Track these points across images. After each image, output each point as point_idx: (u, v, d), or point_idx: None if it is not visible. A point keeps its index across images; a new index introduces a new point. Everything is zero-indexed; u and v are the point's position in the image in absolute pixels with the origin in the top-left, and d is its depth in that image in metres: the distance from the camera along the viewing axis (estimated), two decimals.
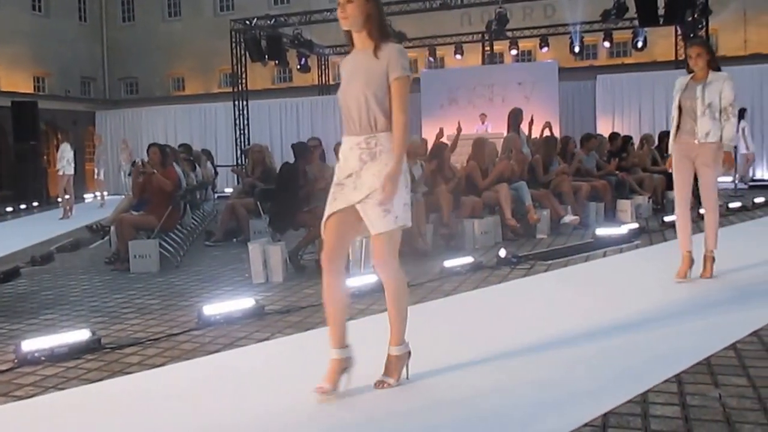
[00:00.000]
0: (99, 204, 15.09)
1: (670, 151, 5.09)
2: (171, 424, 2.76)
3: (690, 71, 5.00)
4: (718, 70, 4.89)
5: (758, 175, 13.71)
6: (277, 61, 15.56)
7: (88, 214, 12.34)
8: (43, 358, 3.58)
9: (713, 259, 5.00)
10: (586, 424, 2.53)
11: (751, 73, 14.09)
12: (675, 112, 4.98)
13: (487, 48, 18.13)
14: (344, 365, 2.94)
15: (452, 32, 17.68)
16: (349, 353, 2.97)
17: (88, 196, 17.37)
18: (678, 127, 4.96)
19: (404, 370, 3.03)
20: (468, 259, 5.76)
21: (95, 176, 16.26)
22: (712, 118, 4.80)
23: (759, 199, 9.45)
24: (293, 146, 6.62)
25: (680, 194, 5.07)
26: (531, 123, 9.56)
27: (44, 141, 18.19)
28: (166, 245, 6.71)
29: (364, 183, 2.86)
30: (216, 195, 12.17)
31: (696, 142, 4.84)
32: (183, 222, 7.77)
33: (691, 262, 4.94)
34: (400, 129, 2.85)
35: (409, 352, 3.05)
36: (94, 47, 22.62)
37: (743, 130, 12.52)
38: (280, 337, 3.96)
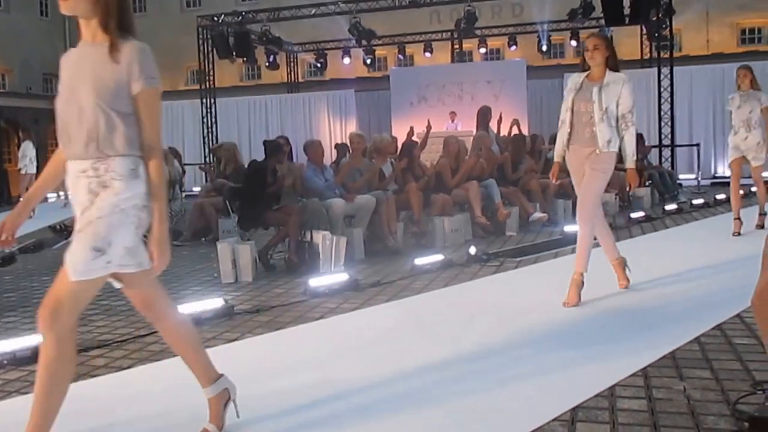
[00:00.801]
0: (62, 204, 14.77)
1: (557, 159, 4.50)
2: (139, 427, 2.72)
3: (585, 69, 4.41)
4: (617, 70, 4.34)
5: (719, 172, 14.03)
6: (245, 59, 15.40)
7: (51, 214, 12.05)
8: (5, 362, 3.50)
9: (622, 266, 4.62)
10: (555, 419, 2.56)
11: (713, 72, 14.42)
12: (566, 115, 4.40)
13: (456, 46, 18.22)
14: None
15: (422, 30, 17.73)
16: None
17: (51, 196, 16.98)
18: (570, 132, 4.38)
19: (226, 411, 2.58)
20: (438, 257, 5.79)
21: None
22: (609, 125, 4.26)
23: (720, 196, 9.67)
24: (265, 143, 6.55)
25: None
26: (500, 121, 9.65)
27: (5, 139, 17.72)
28: None
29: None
30: (184, 194, 12.01)
31: (597, 152, 4.27)
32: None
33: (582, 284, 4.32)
34: (155, 167, 2.20)
35: (227, 389, 2.58)
36: (56, 43, 22.12)
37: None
38: (250, 337, 3.93)
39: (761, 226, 6.85)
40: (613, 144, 4.29)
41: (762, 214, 6.93)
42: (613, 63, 4.35)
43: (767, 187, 6.96)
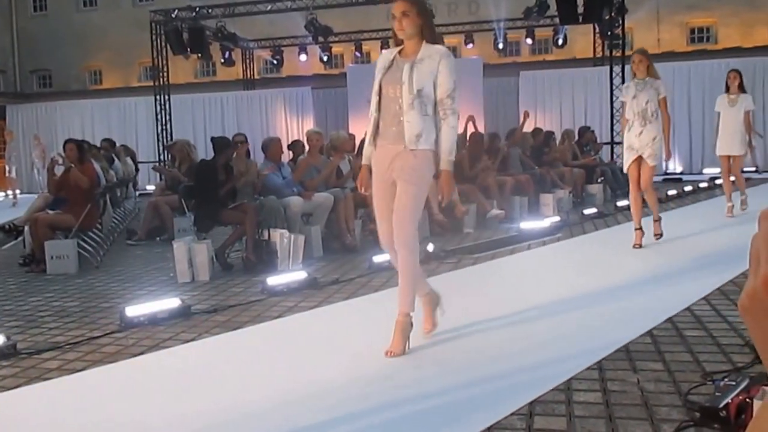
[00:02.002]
0: (11, 203, 14.30)
1: (364, 161, 3.46)
2: (93, 430, 2.64)
3: (398, 43, 3.37)
4: (435, 43, 3.34)
5: (671, 169, 14.43)
6: (199, 55, 15.15)
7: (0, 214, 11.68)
8: None
9: (431, 305, 3.54)
10: (513, 413, 2.59)
11: (663, 70, 14.66)
12: (373, 102, 3.38)
13: None
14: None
15: (379, 27, 17.71)
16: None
17: None
18: (378, 126, 3.34)
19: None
20: None
21: (7, 174, 15.39)
22: (423, 113, 3.23)
23: (671, 192, 9.95)
24: (213, 140, 6.43)
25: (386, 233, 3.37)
26: (467, 121, 9.60)
27: None
28: (85, 245, 6.42)
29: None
30: (137, 192, 11.77)
31: (402, 148, 3.23)
32: (103, 221, 7.47)
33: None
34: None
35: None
36: (3, 37, 21.35)
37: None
38: (208, 337, 3.87)
39: (659, 235, 6.12)
40: (424, 140, 3.24)
41: (656, 221, 6.16)
42: (430, 34, 3.34)
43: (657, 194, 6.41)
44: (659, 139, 5.81)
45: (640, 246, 5.89)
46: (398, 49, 3.40)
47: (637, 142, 5.81)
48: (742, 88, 7.54)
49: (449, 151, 3.32)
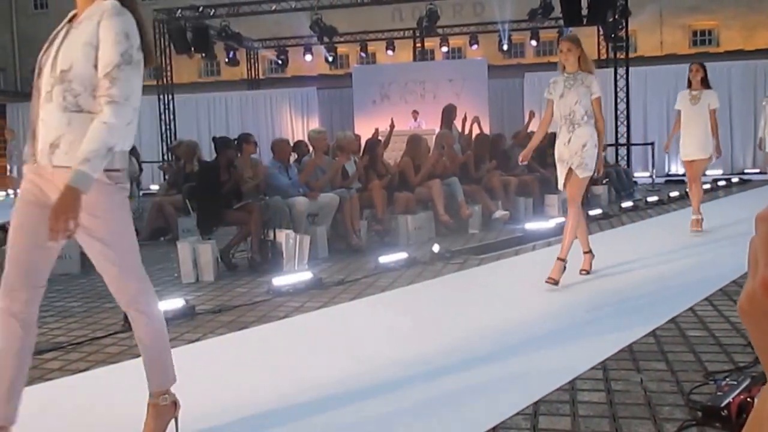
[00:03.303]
0: (12, 202, 14.35)
1: None
2: (96, 431, 2.66)
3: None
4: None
5: (673, 170, 14.41)
6: (203, 54, 15.18)
7: (0, 213, 11.72)
8: None
9: None
10: (518, 413, 2.60)
11: (666, 72, 14.80)
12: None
13: (419, 44, 18.29)
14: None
15: (384, 28, 17.74)
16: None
17: (0, 194, 16.50)
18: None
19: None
20: (402, 255, 5.81)
21: (8, 173, 15.46)
22: (67, 108, 2.18)
23: (674, 193, 9.95)
24: (214, 140, 6.44)
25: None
26: (464, 120, 9.65)
27: None
28: None
29: None
30: (141, 192, 11.80)
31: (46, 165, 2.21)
32: None
33: None
34: None
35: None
36: (3, 36, 21.43)
37: None
38: (212, 338, 3.88)
39: (585, 271, 4.95)
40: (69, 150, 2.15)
41: (586, 252, 5.02)
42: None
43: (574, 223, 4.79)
44: (591, 147, 4.64)
45: (555, 282, 4.55)
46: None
47: (567, 152, 4.69)
48: (706, 84, 6.63)
49: (86, 157, 2.07)
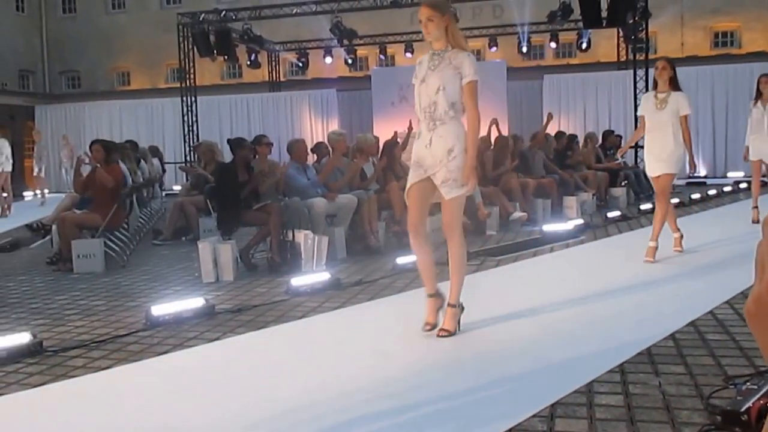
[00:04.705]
0: (39, 202, 14.59)
1: None
2: (117, 428, 2.70)
3: None
4: None
5: (696, 172, 14.24)
6: (226, 57, 15.33)
7: (28, 213, 11.92)
8: None
9: None
10: (534, 415, 2.60)
11: (687, 74, 14.60)
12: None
13: None
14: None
15: (403, 30, 17.76)
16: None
17: (28, 194, 16.77)
18: None
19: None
20: None
21: (35, 173, 15.72)
22: None
23: (695, 196, 9.86)
24: (229, 142, 6.50)
25: None
26: (491, 125, 9.44)
27: None
28: (112, 244, 6.54)
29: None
30: (164, 193, 11.93)
31: None
32: (129, 220, 7.60)
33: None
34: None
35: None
36: (32, 39, 21.79)
37: None
38: (232, 337, 3.92)
39: (446, 332, 3.64)
40: None
41: (450, 306, 3.67)
42: None
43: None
44: (460, 153, 3.49)
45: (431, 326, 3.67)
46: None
47: (428, 156, 3.52)
48: (674, 85, 5.49)
49: None
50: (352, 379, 3.08)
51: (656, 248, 5.49)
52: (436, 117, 3.54)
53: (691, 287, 4.66)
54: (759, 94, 7.39)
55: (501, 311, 4.20)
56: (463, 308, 3.71)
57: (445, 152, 3.51)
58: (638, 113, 5.74)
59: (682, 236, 5.86)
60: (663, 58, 5.69)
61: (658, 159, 5.47)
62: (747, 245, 5.95)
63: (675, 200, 9.58)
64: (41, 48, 22.02)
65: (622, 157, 9.64)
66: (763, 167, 7.94)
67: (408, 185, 3.67)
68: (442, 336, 3.60)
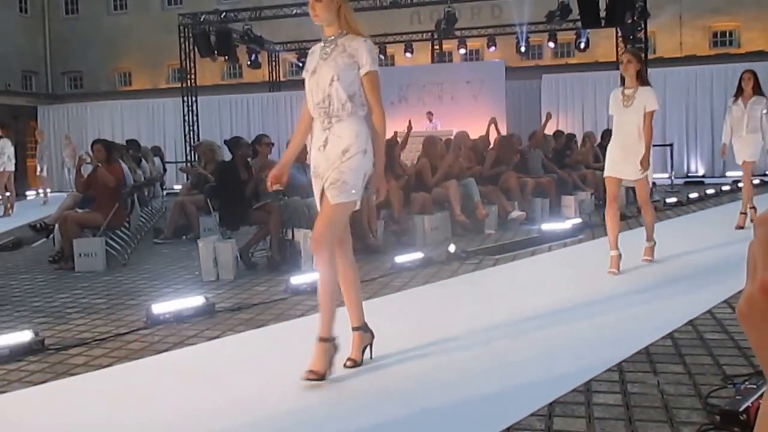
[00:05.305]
0: (42, 201, 14.61)
1: None
2: (118, 426, 2.72)
3: None
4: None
5: (692, 171, 14.28)
6: (226, 57, 15.35)
7: (30, 212, 11.93)
8: None
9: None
10: (533, 414, 2.61)
11: (686, 73, 14.70)
12: None
13: (437, 47, 18.30)
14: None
15: (402, 30, 17.79)
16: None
17: (30, 194, 16.78)
18: None
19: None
20: (418, 255, 5.83)
21: (37, 173, 15.73)
22: None
23: (693, 195, 9.87)
24: (226, 142, 6.53)
25: None
26: (490, 124, 9.46)
27: None
28: (113, 243, 6.56)
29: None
30: (165, 192, 11.95)
31: None
32: (131, 219, 7.62)
33: None
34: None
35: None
36: (35, 40, 21.80)
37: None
38: (231, 335, 3.94)
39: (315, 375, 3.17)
40: None
41: (355, 328, 3.31)
42: None
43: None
44: (357, 155, 3.07)
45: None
46: None
47: (323, 161, 3.09)
48: (641, 80, 5.07)
49: None
50: (350, 377, 3.10)
51: (653, 247, 5.47)
52: (331, 113, 3.07)
53: (690, 286, 4.67)
54: (740, 91, 6.98)
55: (499, 310, 4.22)
56: (373, 335, 3.24)
57: (339, 153, 3.01)
58: (609, 112, 5.26)
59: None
60: (627, 51, 5.36)
61: (627, 162, 5.12)
62: (746, 245, 5.98)
63: (671, 200, 9.61)
64: (44, 49, 22.03)
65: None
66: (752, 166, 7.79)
67: (318, 201, 3.20)
68: (311, 379, 2.95)
